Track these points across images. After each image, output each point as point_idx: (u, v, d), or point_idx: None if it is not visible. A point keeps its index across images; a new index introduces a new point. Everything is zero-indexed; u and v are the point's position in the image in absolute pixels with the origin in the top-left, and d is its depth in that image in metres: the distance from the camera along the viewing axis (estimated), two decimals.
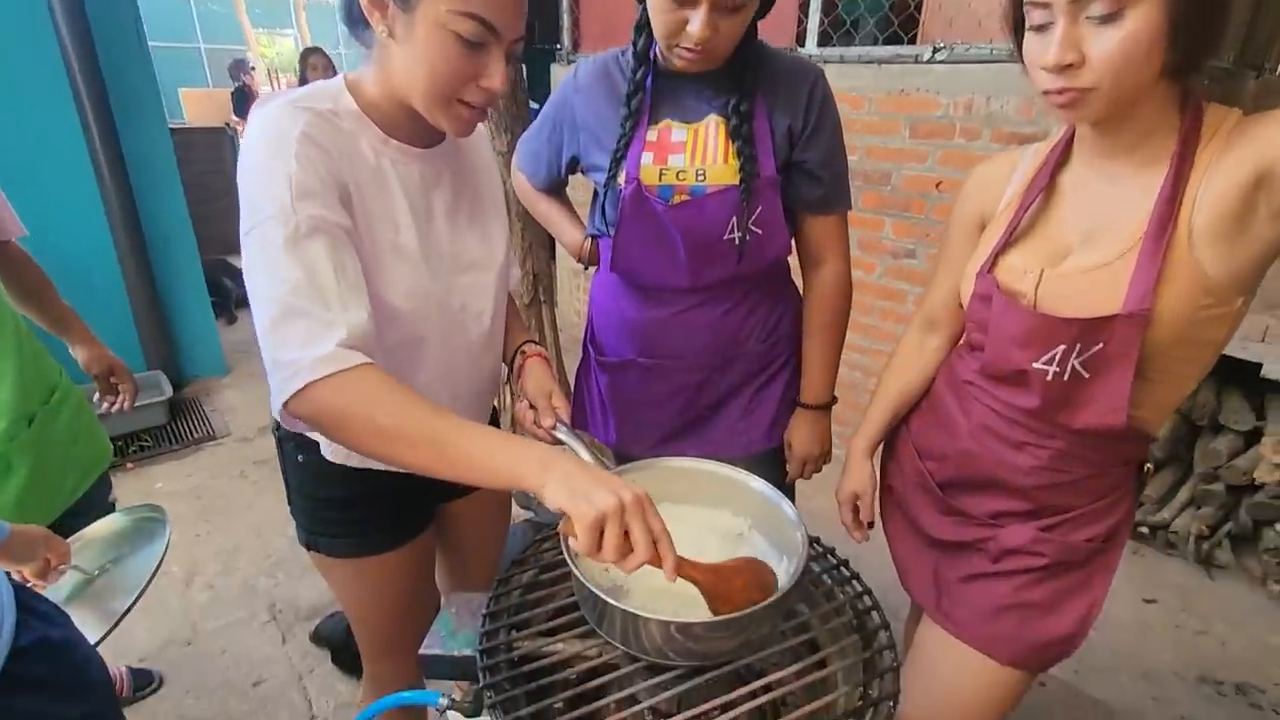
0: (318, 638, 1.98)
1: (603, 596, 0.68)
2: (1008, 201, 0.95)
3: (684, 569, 0.68)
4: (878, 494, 1.20)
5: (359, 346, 0.73)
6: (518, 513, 1.95)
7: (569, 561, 0.72)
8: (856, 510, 1.19)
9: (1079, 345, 0.82)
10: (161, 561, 1.17)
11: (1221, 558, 2.30)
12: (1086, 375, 0.83)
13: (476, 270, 0.99)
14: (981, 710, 1.03)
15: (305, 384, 0.70)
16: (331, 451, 0.98)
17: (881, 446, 1.21)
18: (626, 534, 0.64)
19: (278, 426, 1.00)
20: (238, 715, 1.77)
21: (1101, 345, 0.80)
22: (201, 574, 2.30)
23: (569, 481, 0.65)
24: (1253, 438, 2.25)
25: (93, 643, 1.05)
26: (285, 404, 0.72)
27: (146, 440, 3.02)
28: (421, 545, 1.15)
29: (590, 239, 1.30)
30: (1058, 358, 0.83)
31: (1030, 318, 0.85)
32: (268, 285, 0.73)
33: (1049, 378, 0.85)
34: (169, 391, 3.12)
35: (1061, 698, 1.80)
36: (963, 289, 0.97)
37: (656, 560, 0.65)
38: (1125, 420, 0.83)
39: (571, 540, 0.65)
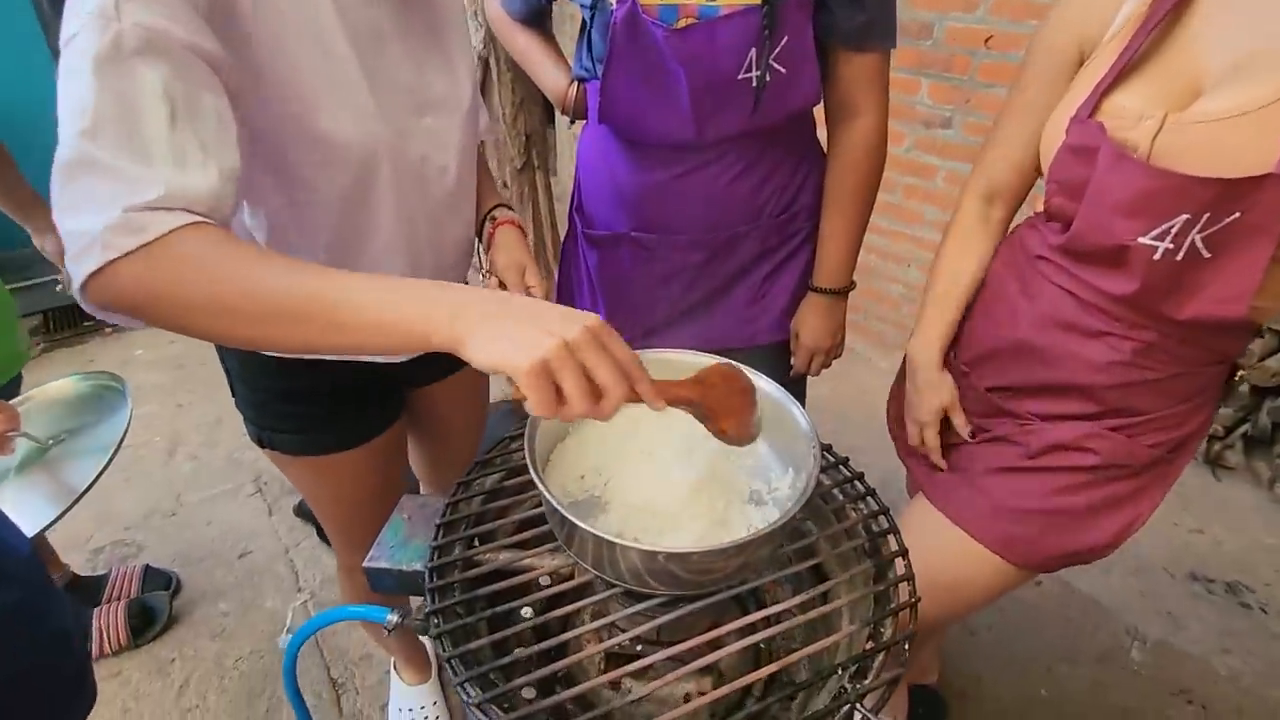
0: (303, 512, 1.95)
1: (570, 518, 0.56)
2: (1119, 26, 0.73)
3: (670, 393, 0.56)
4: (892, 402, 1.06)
5: (196, 211, 0.54)
6: (499, 395, 1.84)
7: (531, 470, 0.59)
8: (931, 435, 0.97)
9: (1208, 214, 0.65)
10: (124, 438, 1.11)
11: (1232, 459, 2.24)
12: (1207, 254, 0.67)
13: (439, 111, 0.81)
14: (969, 597, 0.96)
15: (101, 265, 0.51)
16: None
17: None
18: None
19: None
20: (224, 586, 1.77)
21: (1239, 215, 0.64)
22: (184, 445, 2.25)
23: (493, 328, 0.50)
24: None
25: (49, 519, 0.99)
26: (83, 291, 0.53)
27: None
28: (390, 438, 1.03)
29: (576, 83, 1.08)
30: (1175, 230, 0.66)
31: (1148, 176, 0.67)
32: (63, 118, 0.53)
33: (1157, 256, 0.69)
34: None
35: (1055, 593, 1.79)
36: (1046, 142, 0.78)
37: (634, 395, 0.53)
38: (1246, 311, 0.68)
39: (527, 405, 0.50)
